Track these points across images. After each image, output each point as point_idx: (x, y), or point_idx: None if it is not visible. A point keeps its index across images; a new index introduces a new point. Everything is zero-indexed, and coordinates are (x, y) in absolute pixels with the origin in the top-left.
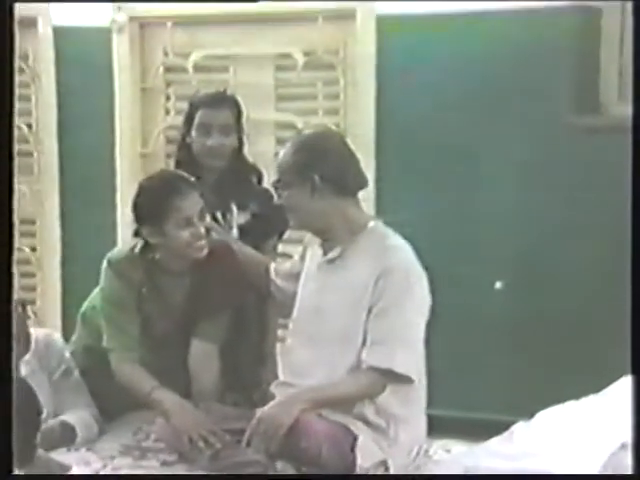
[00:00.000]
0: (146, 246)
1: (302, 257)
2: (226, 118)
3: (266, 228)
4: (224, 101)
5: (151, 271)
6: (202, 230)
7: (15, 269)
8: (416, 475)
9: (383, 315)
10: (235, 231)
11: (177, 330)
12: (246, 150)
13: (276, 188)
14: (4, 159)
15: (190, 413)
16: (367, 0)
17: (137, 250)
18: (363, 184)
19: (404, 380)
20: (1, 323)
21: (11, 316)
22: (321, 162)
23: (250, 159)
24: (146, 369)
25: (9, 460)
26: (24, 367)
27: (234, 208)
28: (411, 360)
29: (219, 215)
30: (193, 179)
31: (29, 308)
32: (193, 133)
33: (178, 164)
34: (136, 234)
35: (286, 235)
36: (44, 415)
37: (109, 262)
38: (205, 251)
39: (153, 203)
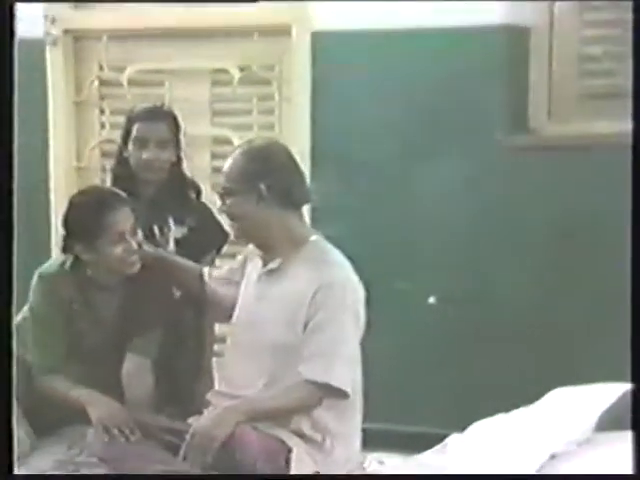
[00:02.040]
0: (77, 261)
1: (242, 266)
2: (163, 132)
3: (204, 242)
4: (161, 115)
5: (82, 287)
6: (134, 245)
7: None
8: (414, 475)
9: (320, 329)
10: (172, 245)
11: (110, 345)
12: (184, 165)
13: (221, 195)
14: (3, 159)
15: (107, 404)
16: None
17: (68, 265)
18: (308, 198)
19: (340, 394)
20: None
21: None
22: (269, 172)
23: (188, 174)
24: (79, 383)
25: (9, 460)
26: None
27: (171, 222)
28: (347, 374)
29: (156, 229)
30: (124, 194)
31: None
32: (130, 147)
33: (115, 178)
34: (64, 250)
35: (224, 250)
36: None
37: (39, 277)
38: (137, 266)
39: (85, 219)
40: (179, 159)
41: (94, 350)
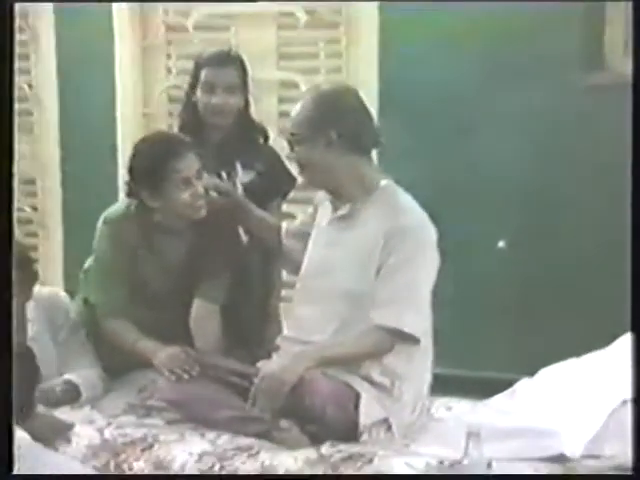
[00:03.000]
0: (142, 206)
1: (312, 215)
2: (231, 77)
3: (271, 187)
4: (229, 60)
5: (148, 231)
6: (201, 190)
7: (16, 228)
8: (423, 475)
9: (392, 274)
10: (240, 190)
11: (177, 290)
12: (252, 109)
13: (290, 142)
14: (5, 153)
15: (167, 350)
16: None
17: (133, 210)
18: (378, 143)
19: (411, 340)
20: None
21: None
22: (339, 118)
23: (256, 118)
24: (147, 329)
25: (9, 460)
26: (30, 327)
27: (239, 167)
28: (418, 320)
29: (224, 174)
30: (190, 139)
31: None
32: (198, 92)
33: (182, 123)
34: (129, 194)
35: (291, 195)
36: (46, 373)
37: (105, 221)
38: (204, 211)
39: (150, 166)
40: (247, 103)
41: (160, 295)
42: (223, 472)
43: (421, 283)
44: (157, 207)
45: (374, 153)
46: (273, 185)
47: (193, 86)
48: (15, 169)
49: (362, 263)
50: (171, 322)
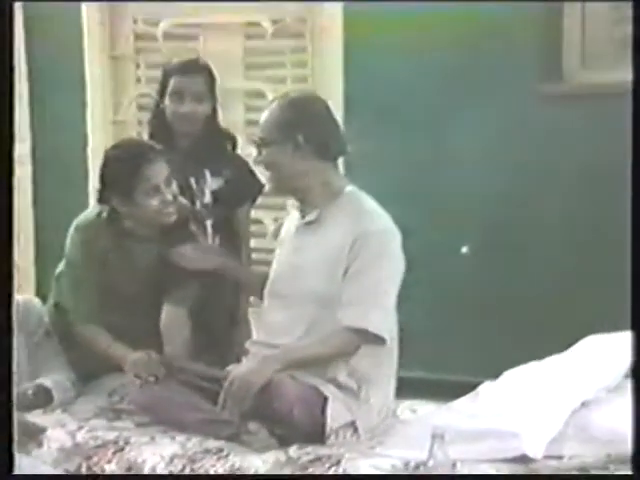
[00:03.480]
0: (113, 213)
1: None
2: (199, 85)
3: (240, 193)
4: (197, 68)
5: (118, 237)
6: (169, 197)
7: None
8: (418, 475)
9: (358, 276)
10: (208, 197)
11: (146, 294)
12: (220, 117)
13: (257, 146)
14: (4, 161)
15: (137, 355)
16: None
17: (104, 216)
18: (344, 150)
19: (377, 341)
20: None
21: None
22: (306, 123)
23: (224, 126)
24: (118, 333)
25: (9, 460)
26: None
27: (207, 174)
28: (385, 321)
29: (192, 181)
30: (160, 146)
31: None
32: (166, 100)
33: (152, 130)
34: (100, 201)
35: (259, 202)
36: (19, 378)
37: (76, 228)
38: (173, 217)
39: (121, 172)
40: (215, 111)
41: (131, 300)
42: (194, 475)
43: (386, 284)
44: (127, 213)
45: (340, 160)
46: (241, 191)
47: (162, 94)
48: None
49: (329, 267)
50: (141, 327)
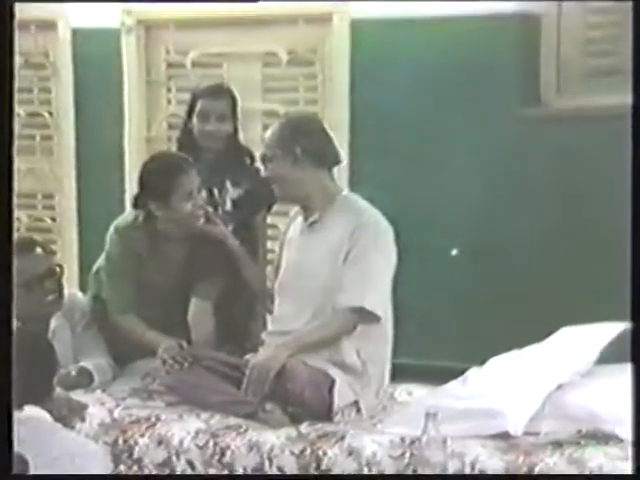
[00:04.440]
0: (149, 216)
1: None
2: (223, 107)
3: (256, 202)
4: (221, 92)
5: (152, 238)
6: (200, 202)
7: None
8: (419, 475)
9: (354, 262)
10: (229, 204)
11: (176, 289)
12: (241, 135)
13: (263, 161)
14: (4, 167)
15: (167, 342)
16: (342, 0)
17: (140, 220)
18: (338, 160)
19: (373, 318)
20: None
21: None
22: (302, 137)
23: (243, 143)
24: (150, 323)
25: (9, 460)
26: (53, 321)
27: (228, 185)
28: (379, 300)
29: (215, 191)
30: (191, 159)
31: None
32: (194, 119)
33: (180, 146)
34: (137, 206)
35: (274, 209)
36: (65, 361)
37: (115, 229)
38: (202, 220)
39: (159, 180)
40: (236, 130)
41: (162, 294)
42: (217, 448)
43: (381, 270)
44: (163, 217)
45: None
46: (258, 200)
47: (190, 114)
48: (32, 185)
49: (332, 258)
50: (171, 317)
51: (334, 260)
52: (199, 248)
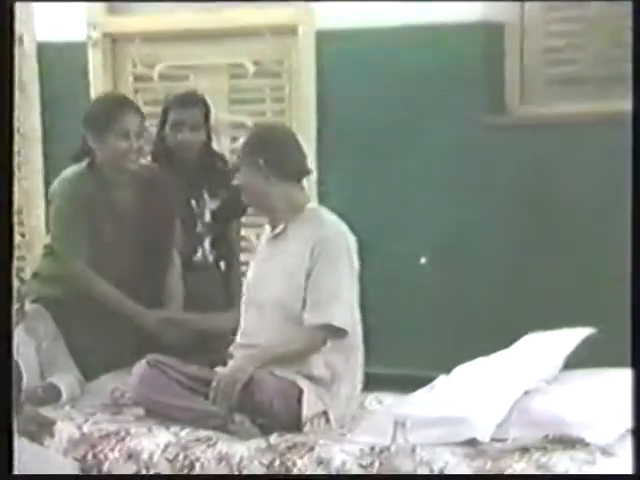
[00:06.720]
0: (92, 164)
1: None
2: (196, 116)
3: (232, 212)
4: (194, 101)
5: (99, 186)
6: (136, 146)
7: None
8: (418, 475)
9: (319, 278)
10: (208, 216)
11: (128, 235)
12: (214, 143)
13: (234, 169)
14: (4, 159)
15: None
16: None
17: (84, 166)
18: (305, 171)
19: (341, 333)
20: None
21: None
22: (266, 148)
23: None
24: (101, 273)
25: (9, 460)
26: (15, 337)
27: (206, 196)
28: (346, 315)
29: (194, 203)
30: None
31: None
32: (167, 129)
33: (154, 157)
34: (82, 149)
35: (245, 220)
36: (31, 377)
37: (59, 181)
38: (137, 165)
39: (98, 113)
40: (209, 138)
41: (114, 241)
42: (186, 461)
43: (345, 284)
44: (97, 153)
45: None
46: (234, 209)
47: (162, 125)
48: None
49: (290, 275)
50: (124, 271)
51: (294, 275)
52: (144, 193)
